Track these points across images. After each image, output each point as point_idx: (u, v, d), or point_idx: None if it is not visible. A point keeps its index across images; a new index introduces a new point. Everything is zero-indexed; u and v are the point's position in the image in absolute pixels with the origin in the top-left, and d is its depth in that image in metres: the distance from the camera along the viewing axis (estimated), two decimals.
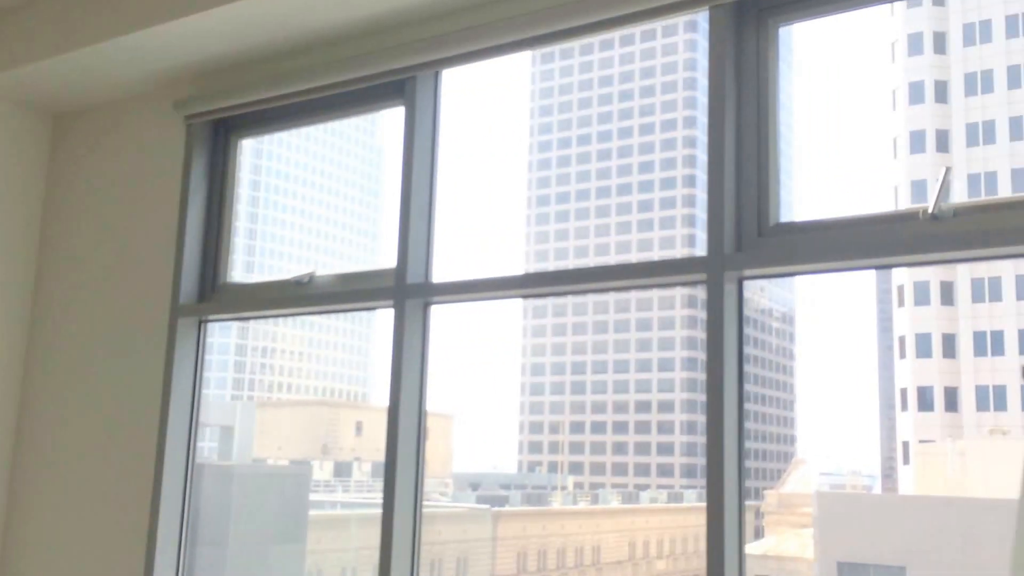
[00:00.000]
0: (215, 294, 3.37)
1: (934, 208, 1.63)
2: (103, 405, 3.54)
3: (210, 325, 3.38)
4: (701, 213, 7.48)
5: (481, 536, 5.97)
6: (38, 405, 3.75)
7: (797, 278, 6.99)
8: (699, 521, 5.46)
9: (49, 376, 3.74)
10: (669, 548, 5.98)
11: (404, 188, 2.87)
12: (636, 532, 6.16)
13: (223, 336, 6.48)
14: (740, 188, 2.12)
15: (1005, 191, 4.98)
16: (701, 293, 7.15)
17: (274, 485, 4.21)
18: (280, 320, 7.92)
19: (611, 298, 7.32)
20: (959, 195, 4.95)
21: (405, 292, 2.83)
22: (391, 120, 2.98)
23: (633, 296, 7.26)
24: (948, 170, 1.56)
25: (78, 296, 3.71)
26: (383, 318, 2.93)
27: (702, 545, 5.32)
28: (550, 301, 7.52)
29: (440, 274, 2.95)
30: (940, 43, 5.47)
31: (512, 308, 7.32)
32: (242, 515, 3.73)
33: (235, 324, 7.30)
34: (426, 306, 2.92)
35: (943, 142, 5.17)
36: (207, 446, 3.87)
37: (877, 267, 1.76)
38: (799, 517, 5.47)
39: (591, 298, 7.39)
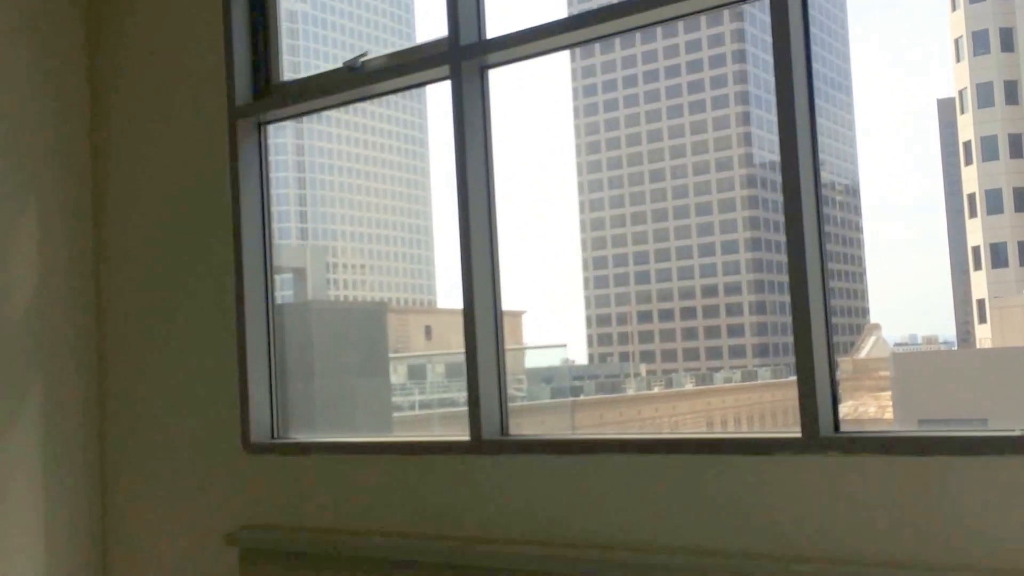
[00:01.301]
0: (270, 93, 3.39)
1: None
2: (176, 226, 3.58)
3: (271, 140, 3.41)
4: None
5: (559, 427, 6.04)
6: (113, 245, 3.80)
7: (859, 142, 6.85)
8: (775, 397, 5.48)
9: (118, 213, 3.78)
10: (747, 425, 5.99)
11: None
12: (713, 412, 6.18)
13: (282, 187, 6.42)
14: None
15: None
16: (760, 173, 6.92)
17: (352, 321, 4.31)
18: (339, 233, 7.96)
19: (668, 184, 7.25)
20: None
21: (460, 54, 2.81)
22: None
23: (691, 180, 7.18)
24: None
25: (136, 119, 3.71)
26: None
27: (780, 421, 5.31)
28: (606, 192, 7.46)
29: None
30: None
31: (567, 197, 7.28)
32: (324, 351, 3.82)
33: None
34: (483, 70, 2.91)
35: None
36: (281, 293, 3.92)
37: None
38: (876, 381, 5.43)
39: (648, 185, 7.32)
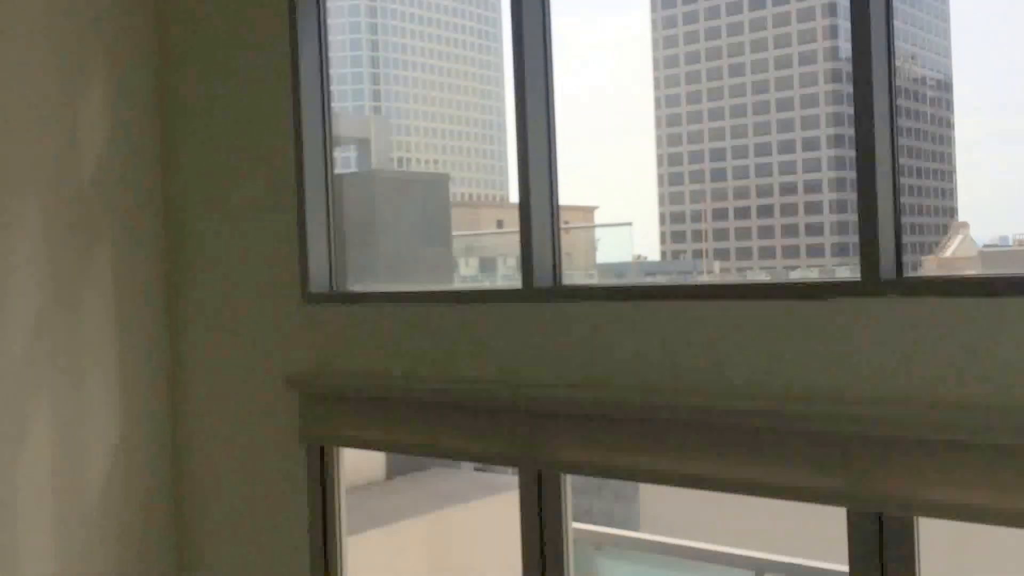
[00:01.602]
0: None
1: None
2: (239, 89, 3.61)
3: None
4: None
5: None
6: (177, 106, 3.84)
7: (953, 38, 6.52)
8: None
9: (183, 76, 3.81)
10: None
11: None
12: None
13: (354, 49, 6.34)
14: None
15: None
16: (846, 67, 6.64)
17: (414, 191, 4.30)
18: (412, 128, 7.96)
19: (748, 79, 7.03)
20: None
21: None
22: None
23: (772, 75, 6.95)
24: None
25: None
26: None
27: None
28: (683, 88, 7.28)
29: None
30: None
31: (643, 94, 7.12)
32: (386, 217, 3.83)
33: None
34: None
35: None
36: (346, 156, 3.94)
37: None
38: None
39: (727, 80, 7.11)
